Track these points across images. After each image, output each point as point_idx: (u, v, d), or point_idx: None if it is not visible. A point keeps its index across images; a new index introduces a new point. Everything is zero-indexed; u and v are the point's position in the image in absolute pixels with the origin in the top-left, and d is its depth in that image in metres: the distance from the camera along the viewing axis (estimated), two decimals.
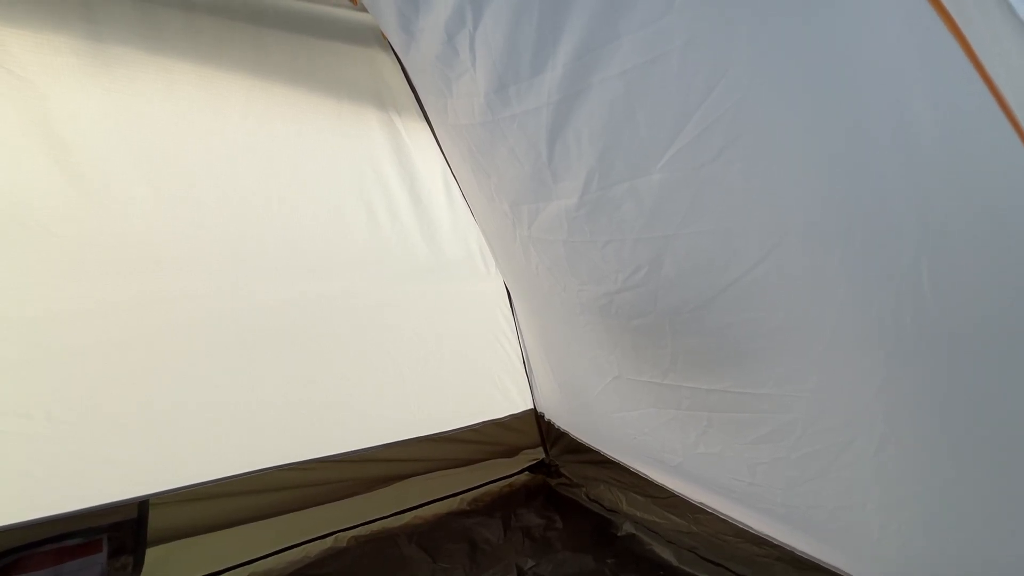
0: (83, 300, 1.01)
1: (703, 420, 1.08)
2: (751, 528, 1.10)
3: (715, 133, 0.67)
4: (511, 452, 1.71)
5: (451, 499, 1.57)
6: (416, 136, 1.36)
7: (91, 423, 1.06)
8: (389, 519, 1.46)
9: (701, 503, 1.21)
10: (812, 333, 0.78)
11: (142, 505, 1.14)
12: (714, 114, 0.65)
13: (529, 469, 1.74)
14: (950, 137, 0.56)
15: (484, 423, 1.63)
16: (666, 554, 1.29)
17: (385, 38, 1.23)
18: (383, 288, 1.43)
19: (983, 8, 0.43)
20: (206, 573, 1.21)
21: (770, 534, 1.06)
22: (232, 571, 1.24)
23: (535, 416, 1.74)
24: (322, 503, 1.38)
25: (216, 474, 1.21)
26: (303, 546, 1.33)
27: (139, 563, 1.14)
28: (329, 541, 1.37)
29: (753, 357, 0.89)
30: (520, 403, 1.71)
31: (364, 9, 1.13)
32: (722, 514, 1.16)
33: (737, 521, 1.13)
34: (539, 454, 1.76)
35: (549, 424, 1.71)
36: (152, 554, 1.15)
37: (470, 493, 1.61)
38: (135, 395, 1.09)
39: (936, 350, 0.69)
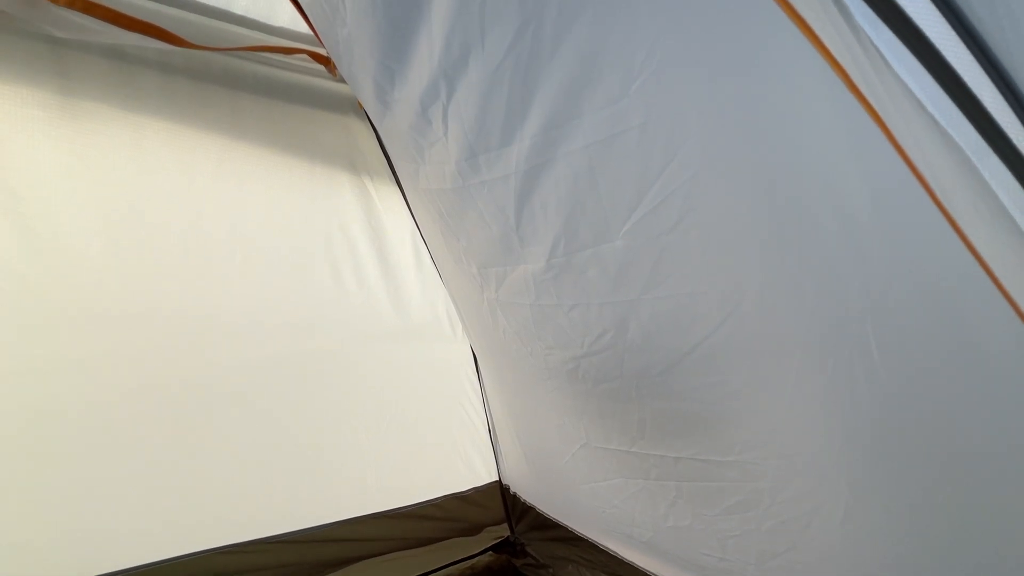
0: (11, 362, 0.93)
1: (671, 490, 1.05)
2: None
3: (672, 205, 0.71)
4: (474, 530, 1.61)
5: None
6: (387, 199, 1.39)
7: (3, 504, 0.94)
8: None
9: None
10: (773, 397, 0.80)
11: None
12: (670, 188, 0.70)
13: (493, 548, 1.63)
14: (883, 214, 0.61)
15: (445, 497, 1.54)
16: None
17: (361, 106, 1.29)
18: (346, 351, 1.38)
19: (898, 104, 0.49)
20: None
21: None
22: None
23: (500, 489, 1.66)
24: None
25: (141, 559, 1.07)
26: None
27: None
28: None
29: (718, 422, 0.89)
30: (484, 475, 1.64)
31: (342, 80, 1.19)
32: None
33: None
34: (504, 531, 1.65)
35: (515, 497, 1.63)
36: None
37: None
38: (59, 470, 0.98)
39: (891, 415, 0.71)
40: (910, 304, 0.63)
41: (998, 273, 0.57)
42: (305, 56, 1.13)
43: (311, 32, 1.07)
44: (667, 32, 0.61)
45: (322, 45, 1.05)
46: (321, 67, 1.17)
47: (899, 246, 0.62)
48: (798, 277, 0.68)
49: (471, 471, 1.61)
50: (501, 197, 0.90)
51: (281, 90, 1.16)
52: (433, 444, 1.55)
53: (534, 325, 1.10)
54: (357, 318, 1.38)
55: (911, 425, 0.70)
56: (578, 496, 1.33)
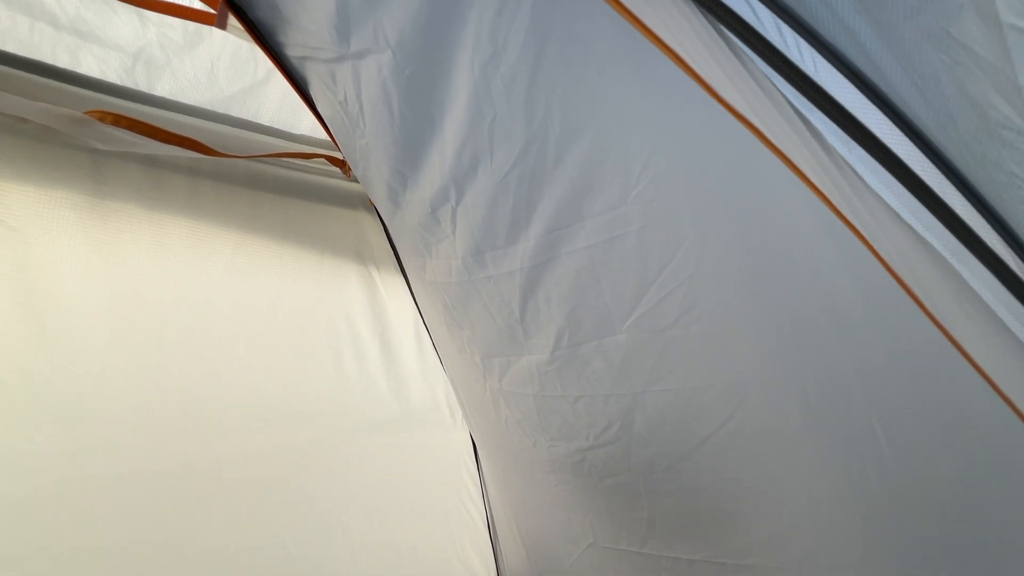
0: (3, 456, 0.90)
1: None
2: None
3: (673, 301, 0.74)
4: None
5: None
6: (392, 288, 1.43)
7: None
8: None
9: None
10: (788, 495, 0.78)
11: None
12: (670, 286, 0.73)
13: None
14: (874, 312, 0.64)
15: None
16: None
17: (371, 203, 1.36)
18: (342, 441, 1.35)
19: (876, 217, 0.54)
20: None
21: None
22: None
23: None
24: None
25: None
26: None
27: None
28: None
29: (733, 521, 0.86)
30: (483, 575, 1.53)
31: (355, 180, 1.27)
32: None
33: None
34: None
35: None
36: None
37: None
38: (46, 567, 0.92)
39: (909, 514, 0.69)
40: (912, 400, 0.64)
41: (987, 368, 0.59)
42: (322, 160, 1.22)
43: (329, 139, 1.17)
44: (661, 148, 0.68)
45: (339, 150, 1.14)
46: (336, 169, 1.26)
47: (893, 342, 0.64)
48: (800, 374, 0.69)
49: (468, 572, 1.51)
50: (506, 291, 0.93)
51: (297, 189, 1.24)
52: (428, 541, 1.46)
53: (538, 416, 1.09)
54: (356, 406, 1.36)
55: (934, 523, 0.68)
56: None
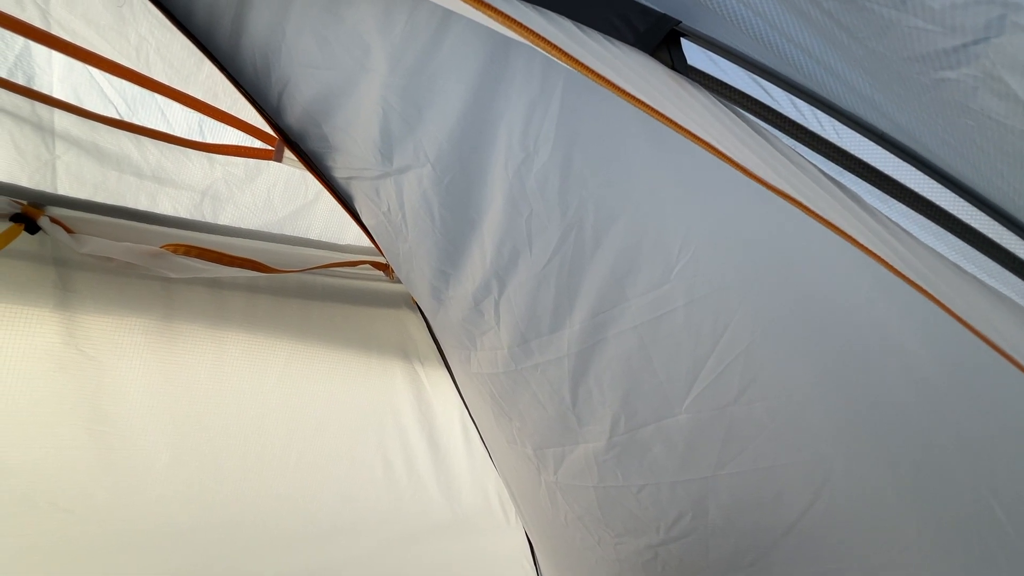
0: None
1: None
2: None
3: (731, 376, 0.71)
4: None
5: None
6: (436, 382, 1.43)
7: None
8: None
9: None
10: None
11: None
12: (726, 360, 0.71)
13: None
14: (946, 364, 0.60)
15: None
16: None
17: (414, 301, 1.41)
18: (393, 553, 1.29)
19: (938, 272, 0.52)
20: None
21: None
22: None
23: None
24: None
25: None
26: None
27: None
28: None
29: None
30: None
31: (398, 281, 1.33)
32: None
33: None
34: None
35: None
36: None
37: None
38: None
39: None
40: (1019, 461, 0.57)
41: None
42: (367, 265, 1.29)
43: (372, 246, 1.24)
44: (698, 225, 0.69)
45: (382, 255, 1.20)
46: (380, 272, 1.33)
47: (985, 402, 0.59)
48: (884, 446, 0.64)
49: None
50: (555, 378, 0.92)
51: (345, 295, 1.30)
52: None
53: (600, 510, 1.02)
54: (406, 513, 1.31)
55: None
56: None
